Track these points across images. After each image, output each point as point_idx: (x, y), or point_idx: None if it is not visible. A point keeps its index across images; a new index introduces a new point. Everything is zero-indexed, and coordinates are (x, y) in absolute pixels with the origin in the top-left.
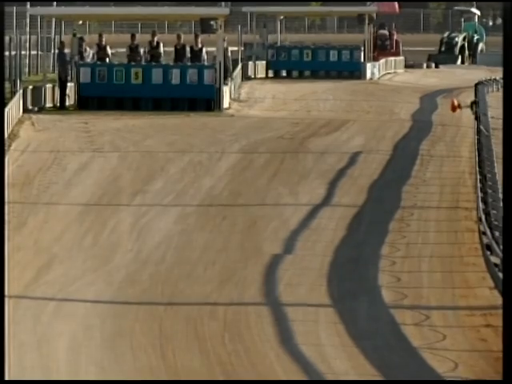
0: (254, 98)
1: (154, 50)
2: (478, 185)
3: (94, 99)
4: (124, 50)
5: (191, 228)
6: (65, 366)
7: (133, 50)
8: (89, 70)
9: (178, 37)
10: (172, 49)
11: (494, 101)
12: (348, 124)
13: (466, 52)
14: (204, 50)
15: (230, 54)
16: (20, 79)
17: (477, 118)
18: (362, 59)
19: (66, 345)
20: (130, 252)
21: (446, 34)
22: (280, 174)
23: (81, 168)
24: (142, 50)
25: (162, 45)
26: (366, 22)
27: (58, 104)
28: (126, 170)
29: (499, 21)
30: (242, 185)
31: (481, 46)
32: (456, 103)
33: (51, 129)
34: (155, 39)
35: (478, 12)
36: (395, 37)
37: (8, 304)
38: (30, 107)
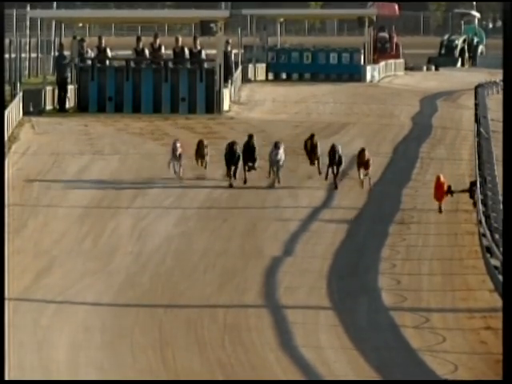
0: (254, 100)
1: (155, 52)
2: (478, 187)
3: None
4: (123, 52)
5: (191, 230)
6: (65, 368)
7: (138, 53)
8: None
9: (176, 40)
10: (171, 51)
11: (494, 103)
12: (348, 127)
13: (466, 55)
14: (203, 52)
15: (233, 56)
16: (20, 82)
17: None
18: (362, 62)
19: (65, 347)
20: (129, 254)
21: (445, 37)
22: (280, 177)
23: (81, 171)
24: (147, 53)
25: (163, 47)
26: (366, 24)
27: (58, 106)
28: (125, 172)
29: (499, 23)
30: (242, 187)
31: (481, 48)
32: (445, 185)
33: (51, 131)
34: (157, 41)
35: (477, 15)
36: (395, 39)
37: (8, 306)
38: (30, 110)
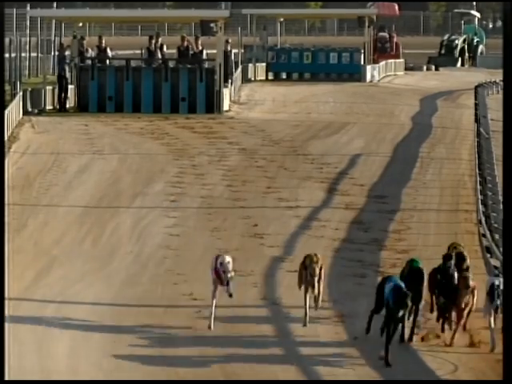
0: (254, 100)
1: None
2: (478, 187)
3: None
4: (123, 52)
5: (191, 230)
6: (64, 367)
7: (151, 52)
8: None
9: (182, 38)
10: (172, 51)
11: (494, 103)
12: (348, 126)
13: (466, 54)
14: (204, 52)
15: (233, 56)
16: (20, 81)
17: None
18: (362, 62)
19: (65, 347)
20: (129, 254)
21: (445, 37)
22: (280, 177)
23: (81, 170)
24: (159, 53)
25: (165, 47)
26: (366, 24)
27: (58, 106)
28: (125, 172)
29: (499, 23)
30: (242, 187)
31: (481, 48)
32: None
33: (51, 131)
34: (159, 41)
35: (477, 14)
36: (395, 39)
37: (8, 306)
38: (30, 109)
